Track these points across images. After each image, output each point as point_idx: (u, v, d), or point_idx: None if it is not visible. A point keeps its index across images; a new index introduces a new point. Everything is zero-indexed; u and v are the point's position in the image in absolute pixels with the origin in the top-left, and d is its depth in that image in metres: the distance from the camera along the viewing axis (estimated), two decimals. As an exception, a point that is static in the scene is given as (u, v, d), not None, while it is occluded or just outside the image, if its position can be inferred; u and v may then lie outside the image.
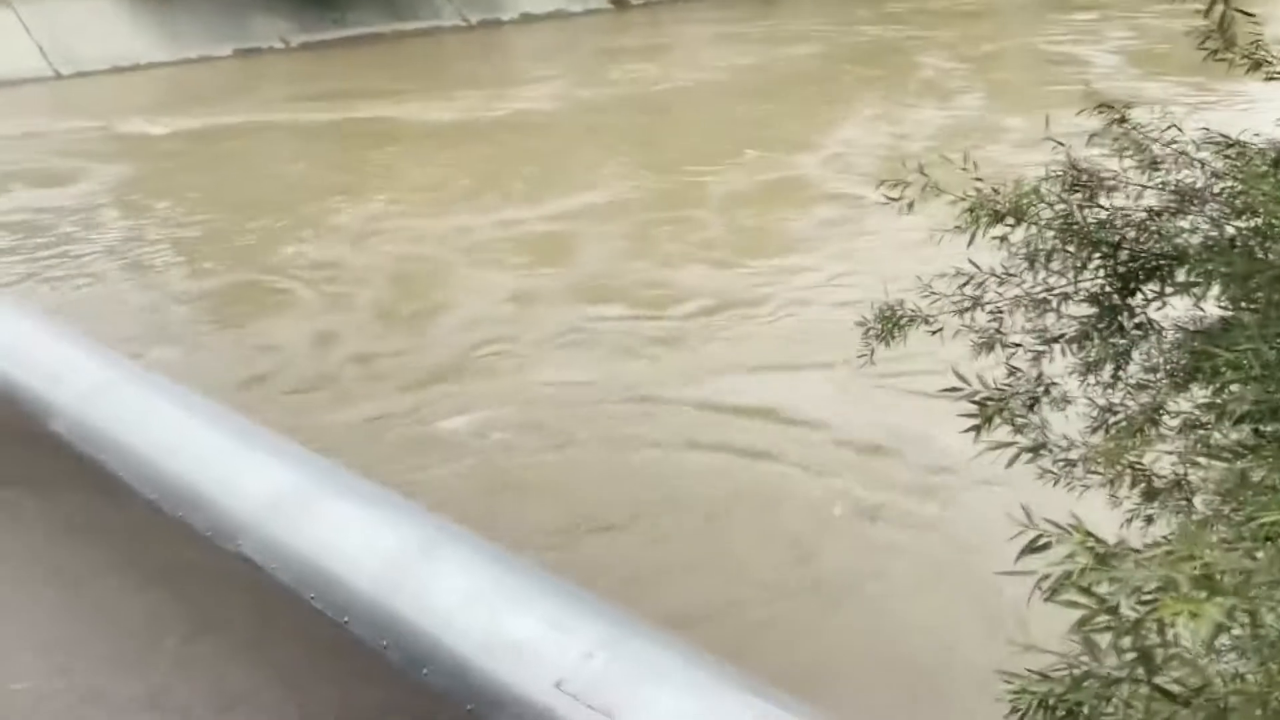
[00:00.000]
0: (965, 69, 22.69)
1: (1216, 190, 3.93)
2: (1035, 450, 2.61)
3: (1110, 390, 3.98)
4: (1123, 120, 4.19)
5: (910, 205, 4.12)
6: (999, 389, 3.30)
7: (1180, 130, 4.20)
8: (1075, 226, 3.83)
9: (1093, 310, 4.12)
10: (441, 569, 2.93)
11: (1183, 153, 4.10)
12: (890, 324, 4.50)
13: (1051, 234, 3.90)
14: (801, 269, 10.08)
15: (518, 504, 5.38)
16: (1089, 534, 1.85)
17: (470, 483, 5.76)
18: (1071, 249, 3.85)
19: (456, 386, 7.64)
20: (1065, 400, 4.38)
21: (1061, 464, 2.76)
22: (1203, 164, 4.06)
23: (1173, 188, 3.95)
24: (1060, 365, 4.31)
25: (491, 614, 2.74)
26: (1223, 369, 2.23)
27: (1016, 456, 2.53)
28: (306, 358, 8.37)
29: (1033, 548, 2.00)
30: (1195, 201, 3.85)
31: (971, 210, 4.00)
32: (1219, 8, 3.27)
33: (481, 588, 2.85)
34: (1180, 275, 3.60)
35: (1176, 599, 1.21)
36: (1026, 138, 14.11)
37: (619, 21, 30.40)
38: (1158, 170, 4.10)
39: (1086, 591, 1.35)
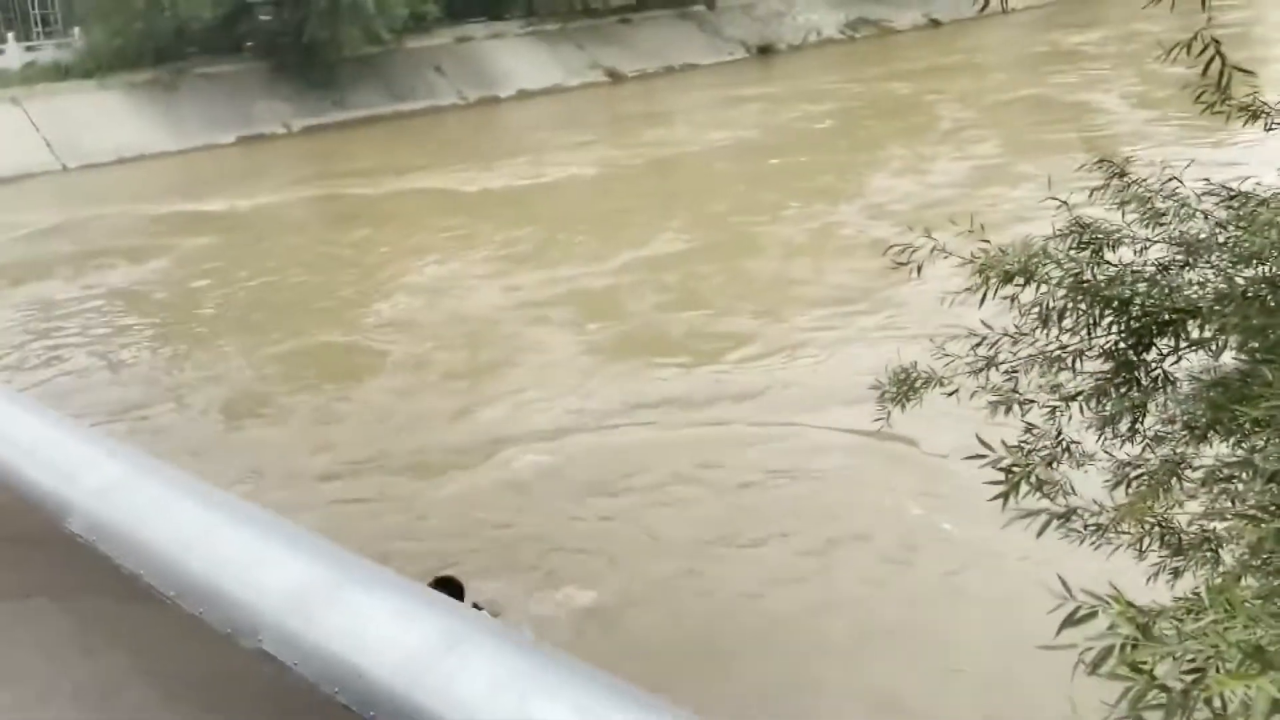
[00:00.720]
0: (981, 118, 23.13)
1: (1221, 240, 3.94)
2: (1065, 517, 2.58)
3: (1128, 444, 3.95)
4: (1122, 174, 4.22)
5: (919, 269, 4.14)
6: (1020, 450, 3.28)
7: (1181, 182, 4.23)
8: (1086, 284, 3.83)
9: (1108, 366, 4.11)
10: (466, 659, 2.89)
11: (1184, 204, 4.12)
12: (905, 387, 4.49)
13: (1062, 292, 3.90)
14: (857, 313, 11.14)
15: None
16: (1129, 604, 1.82)
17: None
18: (1083, 306, 3.85)
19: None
20: (1085, 456, 4.34)
21: (1091, 528, 2.73)
22: (1205, 215, 4.08)
23: (1179, 240, 3.96)
24: (1077, 423, 4.28)
25: (520, 702, 2.69)
26: (1258, 423, 2.21)
27: (1047, 525, 2.49)
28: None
29: (1073, 620, 1.97)
30: (1202, 253, 3.85)
31: (980, 271, 4.01)
32: (1215, 65, 3.31)
33: (508, 677, 2.80)
34: (1194, 330, 3.59)
35: (1233, 675, 1.18)
36: (1041, 185, 14.37)
37: (617, 93, 30.91)
38: (1162, 223, 4.12)
39: (1135, 668, 1.32)
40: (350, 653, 3.09)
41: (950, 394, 4.33)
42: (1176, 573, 4.01)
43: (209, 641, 3.34)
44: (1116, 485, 3.73)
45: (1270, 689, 1.20)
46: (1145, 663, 1.34)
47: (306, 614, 3.21)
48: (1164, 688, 1.27)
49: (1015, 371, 4.21)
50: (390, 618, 3.15)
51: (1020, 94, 25.40)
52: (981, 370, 4.22)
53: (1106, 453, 4.02)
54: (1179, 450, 3.80)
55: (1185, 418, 3.96)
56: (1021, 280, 3.97)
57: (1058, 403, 4.09)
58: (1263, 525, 2.12)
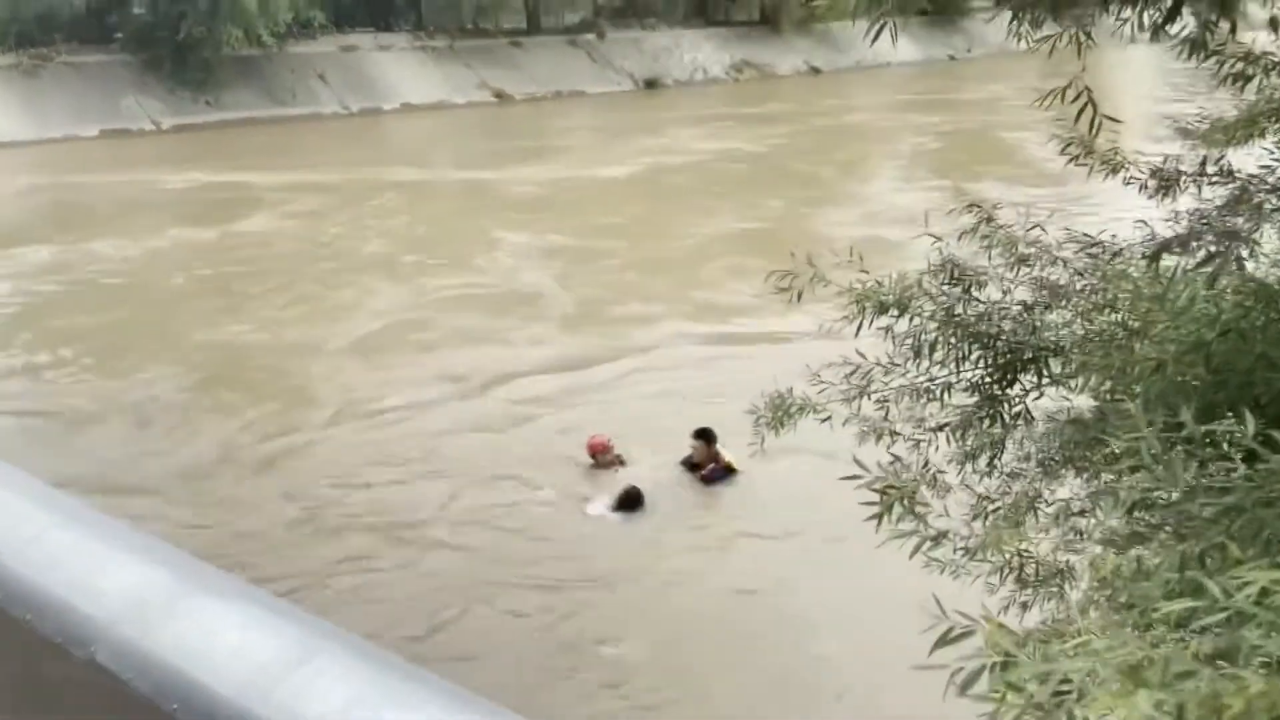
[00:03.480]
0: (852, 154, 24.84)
1: (1080, 287, 4.11)
2: (937, 540, 2.62)
3: (986, 479, 4.07)
4: (989, 220, 4.37)
5: (799, 296, 4.19)
6: (894, 473, 3.35)
7: (1043, 230, 4.40)
8: (956, 319, 3.94)
9: (973, 400, 4.22)
10: (320, 673, 2.74)
11: (1046, 251, 4.29)
12: (780, 413, 4.52)
13: (934, 325, 4.00)
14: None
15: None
16: (1001, 625, 1.84)
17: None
18: (953, 340, 3.95)
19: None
20: (946, 489, 4.44)
21: (961, 552, 2.78)
22: (1065, 262, 4.25)
23: (1042, 284, 4.11)
24: (942, 454, 4.40)
25: (375, 717, 2.56)
26: (1116, 456, 2.29)
27: (920, 546, 2.53)
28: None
29: (946, 640, 1.98)
30: (1063, 297, 4.01)
31: (857, 301, 4.08)
32: (1087, 112, 3.45)
33: (364, 691, 2.67)
34: (1057, 367, 3.72)
35: (1111, 694, 1.19)
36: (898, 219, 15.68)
37: (504, 113, 30.78)
38: (1026, 266, 4.27)
39: (1012, 686, 1.32)
40: (192, 666, 2.88)
41: (824, 420, 4.39)
42: (1025, 606, 4.15)
43: (36, 650, 3.09)
44: (975, 518, 3.83)
45: (1145, 707, 1.21)
46: (1020, 681, 1.34)
47: (144, 623, 3.00)
48: (1039, 707, 1.28)
49: (886, 401, 4.31)
50: (237, 629, 2.96)
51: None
52: (854, 399, 4.30)
53: (967, 486, 4.13)
54: (1034, 485, 3.93)
55: (1040, 455, 4.11)
56: (896, 312, 4.07)
57: (923, 435, 4.19)
58: (1119, 554, 2.20)
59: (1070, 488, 3.84)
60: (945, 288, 4.04)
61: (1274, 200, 4.34)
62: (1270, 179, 4.51)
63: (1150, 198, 4.80)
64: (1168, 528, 2.18)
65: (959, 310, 3.97)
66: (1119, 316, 3.73)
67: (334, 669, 2.76)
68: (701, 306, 13.04)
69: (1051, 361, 3.80)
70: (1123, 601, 1.98)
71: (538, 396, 10.19)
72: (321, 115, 28.83)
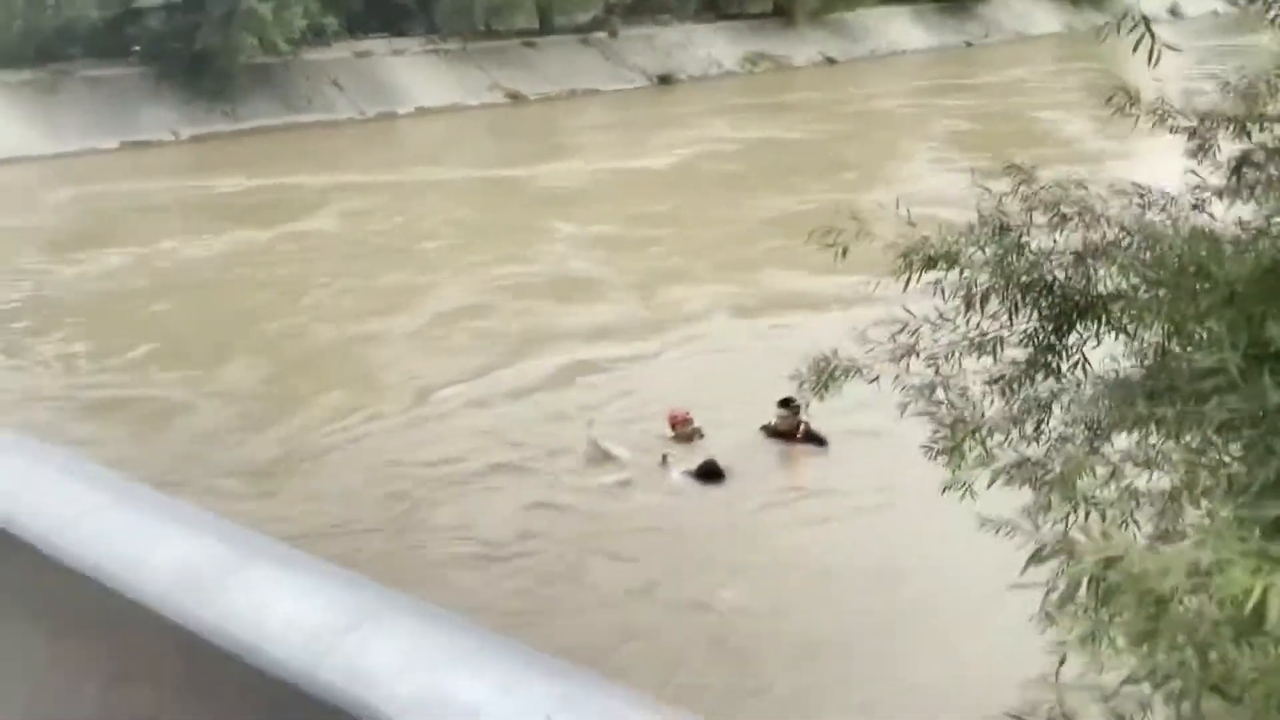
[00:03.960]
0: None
1: (1126, 244, 4.01)
2: (1018, 466, 2.56)
3: (1034, 443, 3.98)
4: (1029, 180, 4.28)
5: (845, 252, 4.11)
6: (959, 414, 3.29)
7: (1085, 189, 4.30)
8: (1009, 266, 3.85)
9: (1026, 353, 4.13)
10: (373, 635, 2.69)
11: (1089, 208, 4.19)
12: (824, 376, 4.45)
13: (986, 275, 3.92)
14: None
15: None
16: (1105, 532, 1.76)
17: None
18: (1007, 290, 3.87)
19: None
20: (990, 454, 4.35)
21: (1038, 482, 2.72)
22: (1108, 220, 4.15)
23: (1097, 232, 4.01)
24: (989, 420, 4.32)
25: (433, 676, 2.51)
26: (1203, 375, 2.23)
27: (996, 477, 2.48)
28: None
29: (1039, 558, 1.91)
30: (1117, 247, 3.91)
31: (905, 255, 4.00)
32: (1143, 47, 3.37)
33: (420, 650, 2.62)
34: (1118, 310, 3.62)
35: (1246, 573, 1.13)
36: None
37: (519, 113, 30.78)
38: (1067, 225, 4.17)
39: (1136, 581, 1.26)
40: (245, 635, 2.85)
41: (872, 381, 4.31)
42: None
43: (104, 595, 3.09)
44: (1026, 483, 3.76)
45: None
46: (1145, 577, 1.27)
47: (197, 595, 2.96)
48: (1159, 601, 1.22)
49: (936, 359, 4.22)
50: (290, 597, 2.92)
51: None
52: (903, 358, 4.21)
53: (1014, 450, 4.04)
54: (1083, 448, 3.83)
55: (1088, 417, 4.00)
56: (945, 265, 3.98)
57: (982, 386, 4.10)
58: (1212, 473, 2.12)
59: (1119, 449, 3.75)
60: (996, 237, 3.95)
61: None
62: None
63: (1193, 155, 4.70)
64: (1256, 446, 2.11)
65: (1011, 259, 3.88)
66: (1178, 260, 3.64)
67: (389, 630, 2.72)
68: (755, 285, 13.69)
69: (1111, 306, 3.71)
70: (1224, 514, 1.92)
71: (605, 376, 10.77)
72: (337, 121, 28.90)
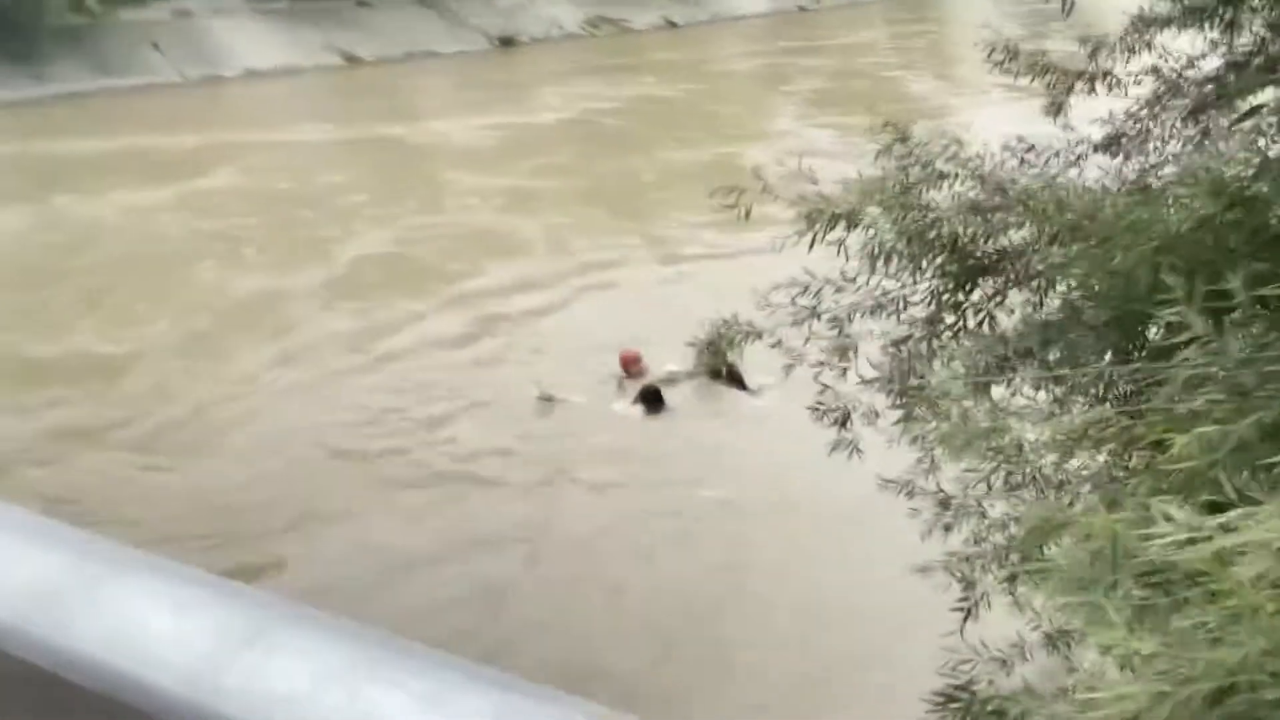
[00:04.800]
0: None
1: (1022, 192, 3.99)
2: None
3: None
4: (904, 139, 4.22)
5: (748, 213, 3.97)
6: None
7: (960, 146, 4.28)
8: (912, 224, 3.78)
9: (929, 312, 4.09)
10: (276, 652, 2.41)
11: (965, 164, 4.16)
12: (725, 342, 4.31)
13: (891, 233, 3.84)
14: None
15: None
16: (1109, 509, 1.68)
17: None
18: (913, 247, 3.80)
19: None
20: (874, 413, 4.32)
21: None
22: (983, 179, 4.13)
23: (992, 188, 3.98)
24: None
25: (351, 694, 2.26)
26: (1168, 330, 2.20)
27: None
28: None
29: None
30: (1012, 201, 3.89)
31: (808, 216, 3.89)
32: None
33: (331, 668, 2.36)
34: (1022, 267, 3.59)
35: None
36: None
37: (359, 75, 29.56)
38: (945, 182, 4.13)
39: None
40: (121, 660, 2.52)
41: (773, 346, 4.20)
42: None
43: None
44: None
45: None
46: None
47: (62, 615, 2.61)
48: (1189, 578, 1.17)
49: (839, 320, 4.14)
50: (171, 614, 2.60)
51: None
52: (804, 321, 4.12)
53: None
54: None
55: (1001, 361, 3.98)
56: (846, 225, 3.88)
57: (890, 349, 4.03)
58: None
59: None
60: (898, 196, 3.87)
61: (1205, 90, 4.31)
62: (1195, 74, 4.48)
63: (1050, 112, 4.74)
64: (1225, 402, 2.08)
65: (914, 217, 3.81)
66: (1111, 212, 3.61)
67: (294, 645, 2.44)
68: (659, 233, 14.54)
69: (1013, 264, 3.69)
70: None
71: (540, 320, 11.67)
72: (158, 85, 27.12)
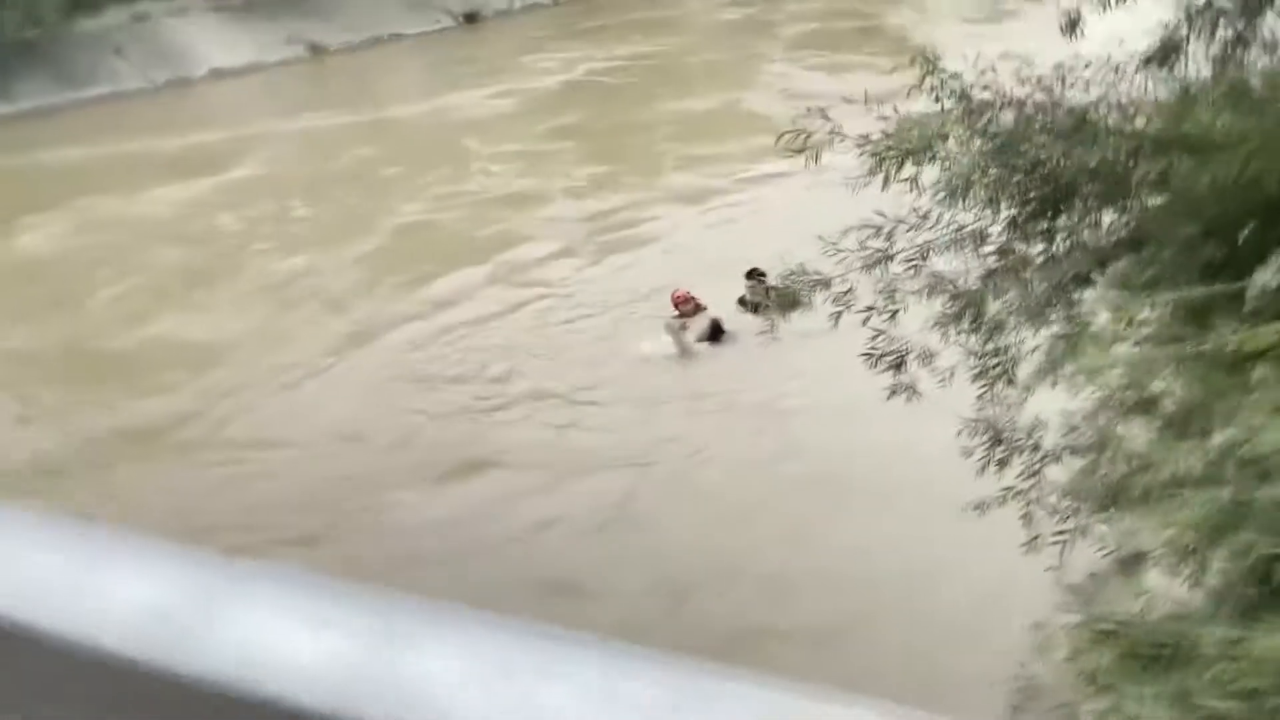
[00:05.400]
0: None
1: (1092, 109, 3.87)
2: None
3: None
4: (933, 70, 4.09)
5: (817, 157, 3.85)
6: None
7: (995, 71, 4.15)
8: (993, 150, 3.66)
9: (1007, 240, 3.98)
10: (428, 650, 2.31)
11: (1001, 94, 4.03)
12: (791, 296, 4.20)
13: (968, 162, 3.72)
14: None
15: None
16: None
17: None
18: (994, 172, 3.68)
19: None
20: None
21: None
22: (1022, 104, 4.01)
23: (1063, 110, 3.86)
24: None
25: (515, 690, 2.15)
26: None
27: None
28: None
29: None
30: (1087, 122, 3.76)
31: (877, 154, 3.77)
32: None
33: (486, 658, 2.25)
34: (1128, 177, 3.49)
35: None
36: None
37: (330, 64, 29.13)
38: (981, 116, 4.01)
39: None
40: (257, 684, 2.39)
41: (845, 293, 4.09)
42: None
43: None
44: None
45: None
46: None
47: (181, 641, 2.48)
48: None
49: (913, 262, 4.03)
50: (301, 626, 2.48)
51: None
52: (876, 264, 4.01)
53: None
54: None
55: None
56: (921, 158, 3.77)
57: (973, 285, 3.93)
58: None
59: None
60: (972, 124, 3.76)
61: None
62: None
63: (1067, 31, 4.61)
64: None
65: (988, 145, 3.70)
66: (1160, 130, 3.52)
67: (441, 646, 2.33)
68: (689, 179, 14.93)
69: (1099, 182, 3.59)
70: None
71: (584, 273, 12.33)
72: (127, 92, 26.67)
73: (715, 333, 9.72)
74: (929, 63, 4.11)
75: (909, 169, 3.71)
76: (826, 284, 4.05)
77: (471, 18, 33.56)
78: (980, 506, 3.95)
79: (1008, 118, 3.70)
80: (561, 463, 8.79)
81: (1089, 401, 3.17)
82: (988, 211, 3.69)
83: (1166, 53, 4.33)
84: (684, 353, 9.77)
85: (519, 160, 17.61)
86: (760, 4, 32.08)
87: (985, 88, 4.05)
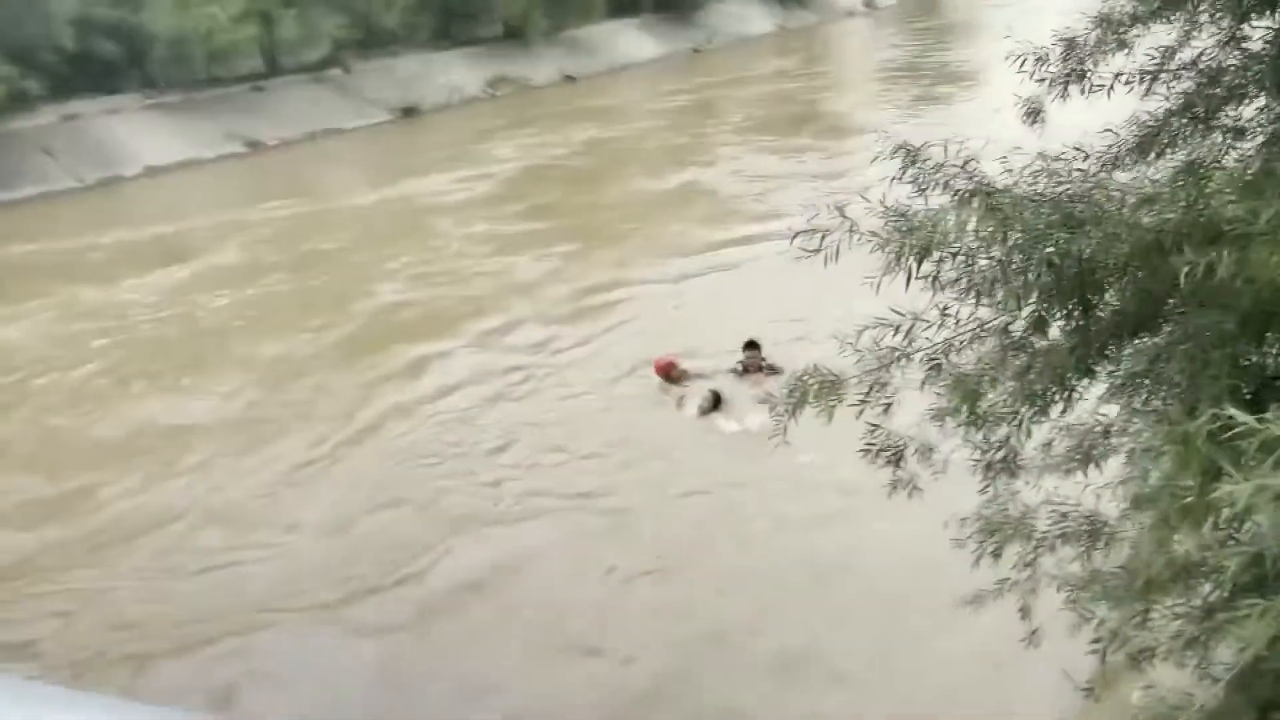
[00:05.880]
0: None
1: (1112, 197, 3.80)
2: None
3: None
4: (914, 161, 4.01)
5: (836, 255, 3.70)
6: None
7: (978, 162, 4.08)
8: (1019, 244, 3.54)
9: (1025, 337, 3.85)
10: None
11: (987, 183, 3.96)
12: (800, 394, 4.01)
13: (992, 257, 3.59)
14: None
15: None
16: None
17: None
18: (1018, 265, 3.55)
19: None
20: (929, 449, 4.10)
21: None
22: (1008, 192, 3.94)
23: (1079, 200, 3.77)
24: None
25: None
26: None
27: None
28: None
29: None
30: (1101, 212, 3.68)
31: (896, 249, 3.62)
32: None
33: None
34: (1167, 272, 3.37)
35: None
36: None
37: (269, 159, 28.88)
38: (969, 202, 3.92)
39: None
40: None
41: (860, 402, 3.92)
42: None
43: None
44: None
45: None
46: None
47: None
48: None
49: (936, 359, 3.88)
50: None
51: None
52: (894, 363, 3.85)
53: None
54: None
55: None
56: (940, 253, 3.64)
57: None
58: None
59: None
60: (992, 220, 3.65)
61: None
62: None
63: (1028, 119, 4.58)
64: None
65: (1011, 237, 3.59)
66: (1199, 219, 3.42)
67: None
68: (668, 255, 15.53)
69: (1133, 276, 3.48)
70: None
71: (567, 348, 12.49)
72: (56, 192, 26.11)
73: (716, 402, 10.19)
74: (911, 153, 4.00)
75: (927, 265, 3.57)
76: (838, 383, 3.87)
77: (409, 111, 33.74)
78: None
79: (1027, 211, 3.59)
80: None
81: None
82: (1003, 306, 3.56)
83: (1148, 142, 4.30)
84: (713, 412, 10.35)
85: (492, 241, 17.93)
86: (701, 91, 32.89)
87: (970, 177, 3.95)
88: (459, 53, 37.75)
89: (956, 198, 3.74)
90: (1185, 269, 2.99)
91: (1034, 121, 4.44)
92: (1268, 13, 3.84)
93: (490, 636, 7.37)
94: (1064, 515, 4.03)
